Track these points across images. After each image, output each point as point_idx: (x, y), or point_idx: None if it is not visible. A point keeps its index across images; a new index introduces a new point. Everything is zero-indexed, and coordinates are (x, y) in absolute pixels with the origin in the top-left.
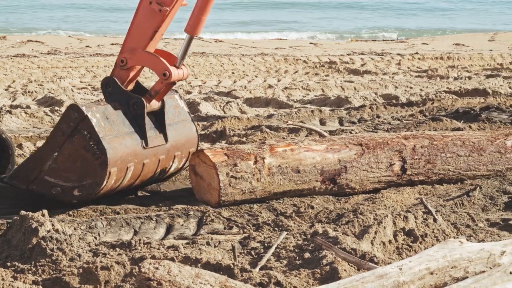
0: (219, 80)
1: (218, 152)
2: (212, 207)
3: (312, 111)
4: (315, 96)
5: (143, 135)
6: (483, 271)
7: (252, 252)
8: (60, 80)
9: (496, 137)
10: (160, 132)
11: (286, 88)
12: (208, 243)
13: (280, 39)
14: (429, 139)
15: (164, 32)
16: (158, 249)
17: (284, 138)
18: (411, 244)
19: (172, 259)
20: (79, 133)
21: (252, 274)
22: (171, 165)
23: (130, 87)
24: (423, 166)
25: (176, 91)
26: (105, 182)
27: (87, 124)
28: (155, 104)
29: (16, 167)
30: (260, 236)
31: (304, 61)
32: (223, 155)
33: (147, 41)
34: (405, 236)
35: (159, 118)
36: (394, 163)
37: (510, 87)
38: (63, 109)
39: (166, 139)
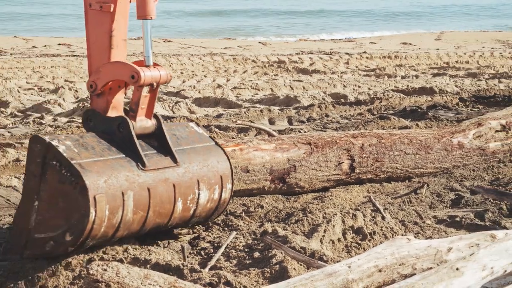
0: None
1: None
2: None
3: (261, 111)
4: (264, 95)
5: (137, 156)
6: (431, 268)
7: (202, 252)
8: (5, 81)
9: (443, 135)
10: (166, 155)
11: (235, 87)
12: (157, 244)
13: (229, 38)
14: (377, 138)
15: (125, 37)
16: (107, 251)
17: (233, 138)
18: (360, 242)
19: (121, 261)
20: (50, 166)
21: (202, 274)
22: (198, 193)
23: (118, 112)
24: (372, 165)
25: (192, 120)
26: (92, 212)
27: (54, 152)
28: (146, 123)
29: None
30: (210, 236)
31: (253, 61)
32: None
33: (108, 51)
34: (354, 234)
35: (160, 140)
36: (343, 162)
37: (456, 86)
38: (8, 110)
39: (175, 161)
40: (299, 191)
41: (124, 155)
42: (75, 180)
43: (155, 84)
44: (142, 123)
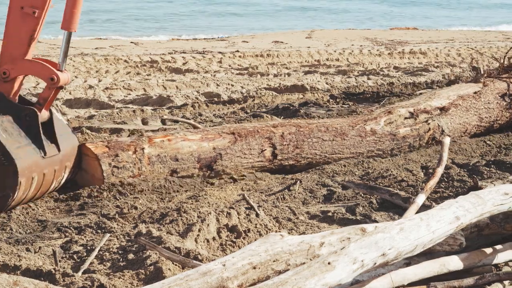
0: (37, 81)
1: (99, 145)
2: None
3: (134, 111)
4: (137, 95)
5: (40, 145)
6: (304, 263)
7: (75, 256)
8: None
9: (356, 123)
10: (51, 143)
11: (107, 88)
12: (28, 249)
13: (100, 38)
14: (296, 127)
15: (38, 37)
16: None
17: (105, 139)
18: (234, 240)
19: None
20: None
21: (75, 278)
22: (63, 176)
23: (15, 99)
24: (292, 151)
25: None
26: (16, 193)
27: None
28: (44, 114)
29: None
30: (83, 240)
31: (125, 61)
32: (104, 147)
33: (26, 48)
34: (228, 233)
35: (48, 129)
36: (265, 149)
37: (327, 83)
38: None
39: (58, 149)
40: (227, 178)
41: (31, 142)
42: (9, 164)
43: (64, 85)
44: (42, 114)
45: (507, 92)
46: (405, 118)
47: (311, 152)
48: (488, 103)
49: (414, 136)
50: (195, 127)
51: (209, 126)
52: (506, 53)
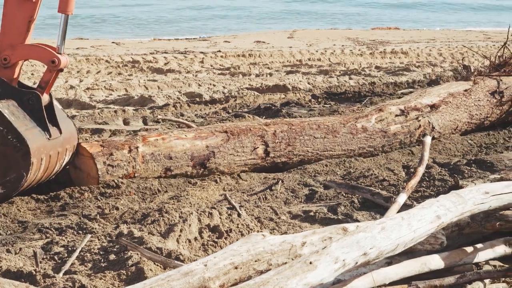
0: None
1: (94, 144)
2: None
3: (115, 111)
4: (118, 96)
5: (45, 127)
6: (285, 263)
7: (56, 257)
8: None
9: (348, 120)
10: (53, 126)
11: (88, 88)
12: (8, 250)
13: (81, 38)
14: (287, 125)
15: (35, 21)
16: None
17: (87, 139)
18: (216, 240)
19: None
20: None
21: (56, 279)
22: (64, 159)
23: (15, 84)
24: (284, 149)
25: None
26: (29, 174)
27: (2, 119)
28: (46, 98)
29: None
30: (64, 240)
31: (107, 61)
32: (99, 146)
33: (25, 34)
34: (210, 233)
35: (49, 112)
36: (258, 147)
37: (308, 83)
38: None
39: (60, 132)
40: (220, 176)
41: (36, 125)
42: (21, 145)
43: (64, 68)
44: (44, 98)
45: (497, 90)
46: (396, 115)
47: (303, 150)
48: (479, 100)
49: (405, 133)
50: (188, 126)
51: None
52: (498, 51)
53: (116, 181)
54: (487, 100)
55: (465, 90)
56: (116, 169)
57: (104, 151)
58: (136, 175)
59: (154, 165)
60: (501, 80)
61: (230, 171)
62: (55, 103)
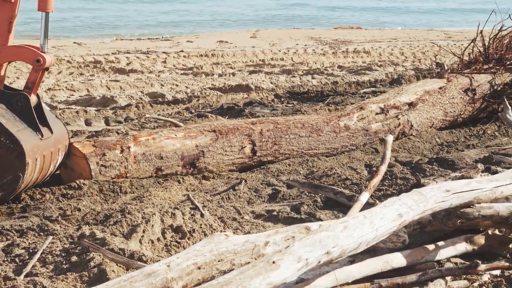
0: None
1: (86, 144)
2: None
3: (77, 112)
4: (80, 96)
5: (36, 127)
6: (249, 262)
7: (17, 259)
8: None
9: (331, 119)
10: (44, 126)
11: (49, 89)
12: None
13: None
14: (273, 124)
15: (16, 22)
16: None
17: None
18: (179, 240)
19: None
20: None
21: (17, 282)
22: (57, 159)
23: (1, 87)
24: (271, 148)
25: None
26: (25, 175)
27: None
28: (34, 98)
29: None
30: (25, 242)
31: (68, 61)
32: (91, 146)
33: (6, 35)
34: (173, 233)
35: (38, 113)
36: (245, 146)
37: (271, 82)
38: None
39: (51, 132)
40: (209, 175)
41: (27, 126)
42: (14, 146)
43: (49, 67)
44: (32, 98)
45: (470, 87)
46: (376, 113)
47: (288, 148)
48: (453, 98)
49: (385, 131)
50: (176, 125)
51: (154, 126)
52: (466, 48)
53: (78, 182)
54: (461, 97)
55: (440, 88)
56: (109, 169)
57: (96, 152)
58: (128, 175)
59: (146, 165)
60: (473, 78)
61: (219, 170)
62: (43, 104)
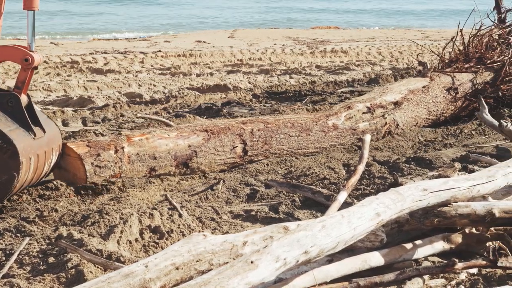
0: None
1: (80, 144)
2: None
3: (54, 112)
4: (57, 96)
5: (28, 127)
6: (227, 262)
7: None
8: None
9: (319, 118)
10: (36, 126)
11: None
12: None
13: (18, 39)
14: (263, 123)
15: (1, 23)
16: None
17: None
18: (157, 241)
19: None
20: None
21: None
22: (52, 159)
23: None
24: (262, 147)
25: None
26: (20, 174)
27: None
28: (24, 98)
29: None
30: (1, 244)
31: (45, 61)
32: (85, 147)
33: None
34: (151, 234)
35: (29, 112)
36: (237, 146)
37: (249, 82)
38: None
39: (44, 131)
40: (202, 174)
41: (19, 126)
42: (7, 146)
43: (38, 65)
44: (22, 98)
45: (452, 86)
46: (363, 113)
47: (279, 148)
48: (436, 96)
49: (372, 130)
50: (167, 125)
51: (127, 128)
52: (444, 47)
53: (54, 183)
54: (443, 96)
55: (424, 87)
56: (104, 169)
57: (91, 152)
58: (122, 175)
59: (140, 165)
60: (454, 77)
61: (211, 170)
62: (33, 104)
